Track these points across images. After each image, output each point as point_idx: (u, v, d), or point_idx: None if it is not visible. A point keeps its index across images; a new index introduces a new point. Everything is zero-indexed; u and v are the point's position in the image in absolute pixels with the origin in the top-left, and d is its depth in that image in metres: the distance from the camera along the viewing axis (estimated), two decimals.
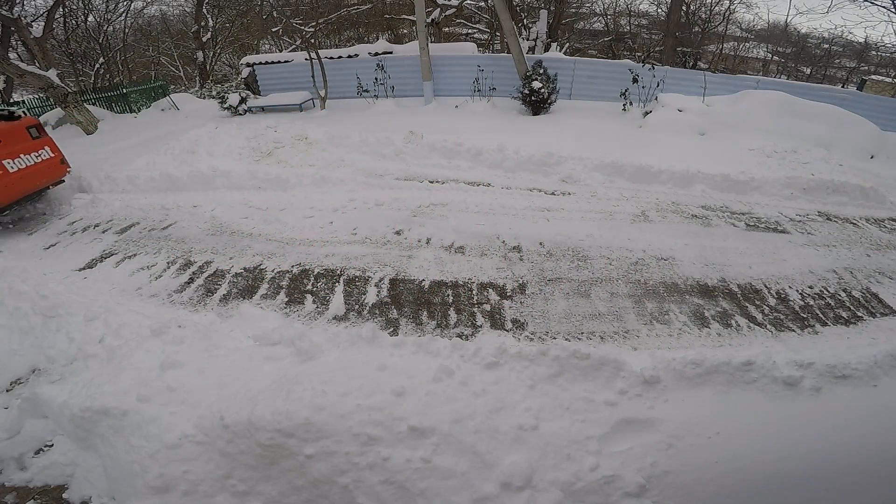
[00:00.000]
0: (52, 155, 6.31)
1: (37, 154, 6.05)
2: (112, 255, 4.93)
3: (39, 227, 5.75)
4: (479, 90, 11.32)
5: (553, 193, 6.28)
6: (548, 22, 15.01)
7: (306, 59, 12.01)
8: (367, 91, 11.83)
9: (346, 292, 4.22)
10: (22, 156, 5.80)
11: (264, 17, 17.29)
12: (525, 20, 16.39)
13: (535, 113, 10.33)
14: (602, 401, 2.91)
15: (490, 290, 4.25)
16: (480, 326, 3.80)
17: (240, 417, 2.60)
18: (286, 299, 4.15)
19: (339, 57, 12.65)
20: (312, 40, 12.80)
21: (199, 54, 17.87)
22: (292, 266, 4.61)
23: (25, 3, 12.33)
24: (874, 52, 21.54)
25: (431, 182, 6.48)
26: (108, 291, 4.29)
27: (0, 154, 5.51)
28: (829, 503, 2.71)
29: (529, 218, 5.50)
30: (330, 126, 8.75)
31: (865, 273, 4.68)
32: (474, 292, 4.22)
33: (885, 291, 4.40)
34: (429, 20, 13.40)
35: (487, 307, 4.03)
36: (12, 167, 5.64)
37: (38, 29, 11.99)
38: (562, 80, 10.77)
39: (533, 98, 10.13)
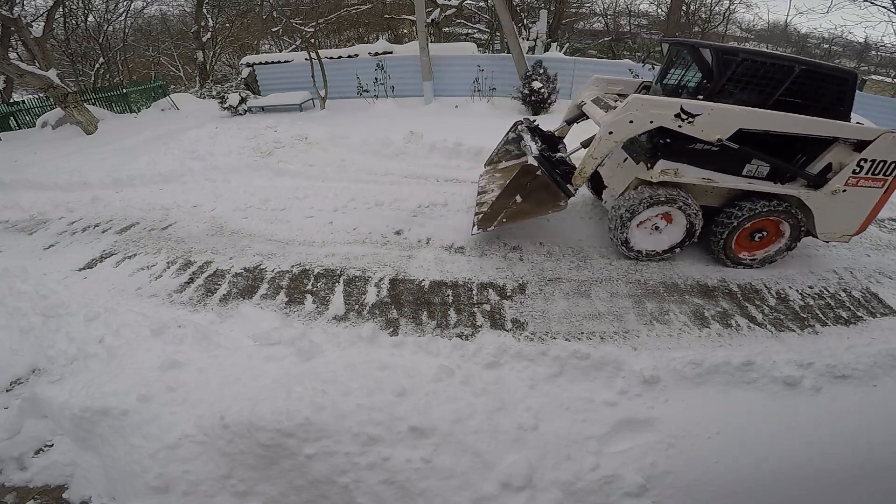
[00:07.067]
0: None
1: None
2: (112, 255, 4.93)
3: (39, 227, 5.74)
4: (479, 90, 11.32)
5: None
6: (548, 22, 15.01)
7: (306, 59, 12.01)
8: (367, 91, 11.83)
9: (346, 292, 4.22)
10: None
11: (264, 17, 17.27)
12: (525, 20, 16.36)
13: (536, 113, 10.32)
14: (602, 401, 2.92)
15: (490, 289, 4.25)
16: (480, 326, 3.79)
17: (240, 417, 2.60)
18: (286, 299, 4.15)
19: (339, 57, 12.64)
20: (312, 40, 12.80)
21: (199, 54, 17.86)
22: (292, 266, 4.61)
23: (25, 3, 12.32)
24: (874, 52, 21.52)
25: (432, 182, 6.48)
26: (108, 291, 4.29)
27: None
28: (828, 502, 2.71)
29: None
30: (330, 126, 8.75)
31: (865, 273, 4.68)
32: (474, 292, 4.22)
33: (885, 291, 4.39)
34: (429, 20, 13.41)
35: (487, 307, 4.03)
36: None
37: (38, 29, 11.97)
38: (562, 80, 10.77)
39: (533, 98, 10.14)
